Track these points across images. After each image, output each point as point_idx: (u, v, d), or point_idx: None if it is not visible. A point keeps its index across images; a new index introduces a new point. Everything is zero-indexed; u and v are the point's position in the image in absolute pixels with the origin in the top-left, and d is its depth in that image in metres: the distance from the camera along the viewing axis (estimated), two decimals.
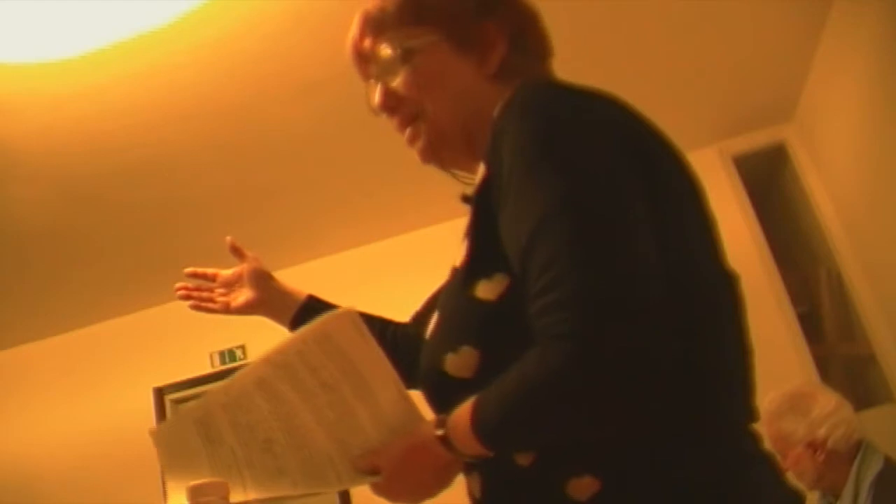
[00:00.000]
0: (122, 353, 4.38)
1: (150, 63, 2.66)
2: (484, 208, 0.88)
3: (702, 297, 0.86)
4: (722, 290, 0.92)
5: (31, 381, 4.46)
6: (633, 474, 0.81)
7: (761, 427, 2.39)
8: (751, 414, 0.91)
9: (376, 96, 1.04)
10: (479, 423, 0.83)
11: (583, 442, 0.82)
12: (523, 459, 0.85)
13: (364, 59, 1.06)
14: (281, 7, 2.55)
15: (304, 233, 4.06)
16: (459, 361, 0.87)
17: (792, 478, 2.36)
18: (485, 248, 0.87)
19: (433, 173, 1.11)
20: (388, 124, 1.09)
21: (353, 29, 1.07)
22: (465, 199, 0.97)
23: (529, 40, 1.04)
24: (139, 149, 3.08)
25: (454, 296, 0.92)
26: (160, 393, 4.29)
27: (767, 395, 2.45)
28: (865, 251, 3.57)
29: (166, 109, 2.90)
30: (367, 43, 1.04)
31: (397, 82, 1.02)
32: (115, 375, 4.36)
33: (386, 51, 1.02)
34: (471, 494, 0.95)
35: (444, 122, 1.01)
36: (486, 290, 0.86)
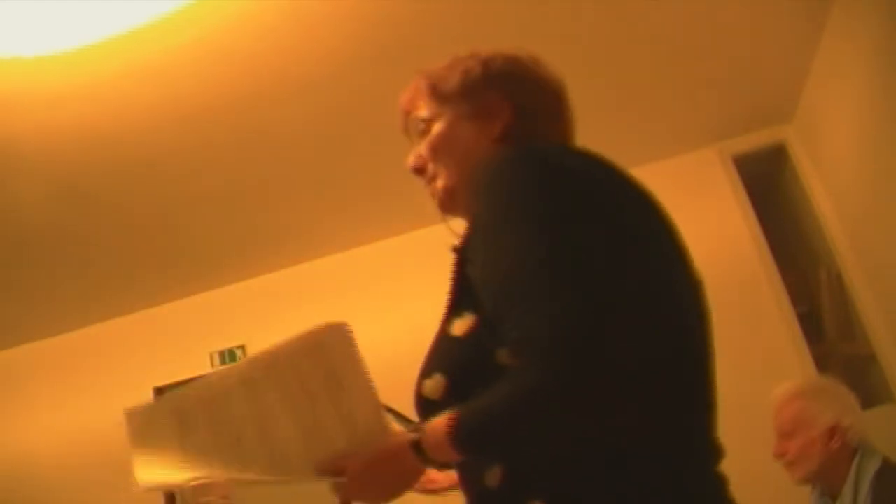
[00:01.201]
0: (122, 353, 4.38)
1: (148, 60, 2.65)
2: (463, 257, 1.06)
3: (672, 327, 0.98)
4: (692, 315, 1.04)
5: (31, 381, 4.46)
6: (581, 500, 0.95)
7: (771, 409, 2.34)
8: (717, 450, 1.02)
9: (409, 160, 1.26)
10: (455, 427, 0.96)
11: (543, 467, 0.96)
12: (492, 481, 1.00)
13: (407, 131, 1.29)
14: (280, 5, 2.55)
15: (305, 232, 4.06)
16: (431, 385, 1.04)
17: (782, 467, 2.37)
18: (461, 292, 1.06)
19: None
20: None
21: (399, 106, 1.28)
22: (453, 249, 1.12)
23: (538, 108, 1.19)
24: (139, 147, 3.07)
25: (438, 333, 1.09)
26: (160, 393, 4.29)
27: (768, 393, 2.47)
28: (865, 251, 3.57)
29: (165, 108, 2.90)
30: (409, 116, 1.27)
31: (421, 148, 1.24)
32: (115, 375, 4.35)
33: (413, 122, 1.24)
34: None
35: (451, 180, 1.21)
36: (459, 326, 1.04)
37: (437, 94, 1.21)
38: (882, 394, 3.59)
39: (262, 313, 4.12)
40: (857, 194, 3.49)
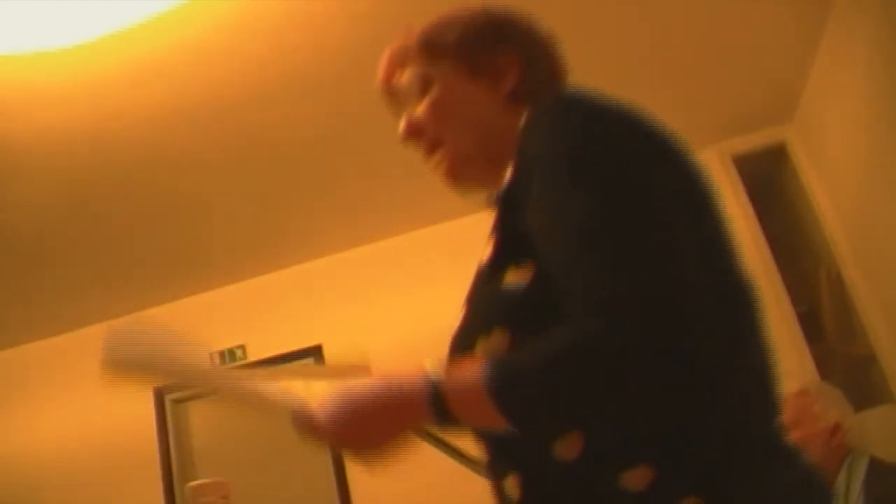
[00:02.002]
0: None
1: (146, 58, 2.65)
2: (511, 205, 0.92)
3: (739, 298, 0.91)
4: (750, 288, 0.95)
5: (31, 381, 4.46)
6: (689, 464, 0.83)
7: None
8: (778, 408, 0.96)
9: (401, 125, 1.11)
10: (494, 372, 0.82)
11: (632, 433, 0.83)
12: (567, 454, 0.85)
13: (391, 94, 1.13)
14: (280, 5, 2.55)
15: (305, 232, 4.06)
16: (490, 344, 0.89)
17: None
18: (513, 240, 0.91)
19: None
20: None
21: (381, 66, 1.13)
22: (492, 199, 1.01)
23: (543, 64, 1.10)
24: (139, 147, 3.07)
25: (483, 287, 0.95)
26: (160, 393, 4.29)
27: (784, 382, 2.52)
28: (865, 251, 3.57)
29: (165, 108, 2.90)
30: (393, 77, 1.12)
31: (418, 112, 1.08)
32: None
33: (407, 83, 1.09)
34: (502, 500, 0.94)
35: (460, 146, 1.07)
36: (515, 276, 0.89)
37: (433, 51, 1.08)
38: (882, 394, 3.59)
39: (262, 313, 4.13)
40: (856, 194, 3.49)
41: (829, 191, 3.78)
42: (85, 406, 4.34)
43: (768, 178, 4.19)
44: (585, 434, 0.84)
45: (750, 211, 3.84)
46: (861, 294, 3.64)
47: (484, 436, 0.95)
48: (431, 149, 1.09)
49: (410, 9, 2.63)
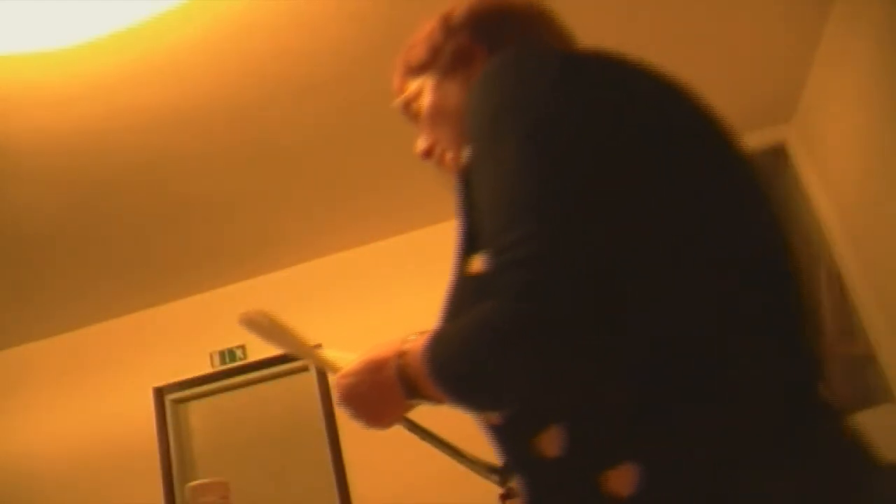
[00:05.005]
0: (122, 353, 4.39)
1: (147, 58, 2.65)
2: (466, 186, 0.90)
3: (730, 267, 0.82)
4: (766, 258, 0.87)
5: (31, 381, 4.46)
6: (682, 461, 0.76)
7: None
8: (808, 371, 0.86)
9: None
10: (429, 354, 0.85)
11: (619, 428, 0.79)
12: (549, 450, 0.81)
13: (408, 115, 1.18)
14: (281, 5, 2.55)
15: (305, 232, 4.06)
16: None
17: None
18: (474, 225, 0.88)
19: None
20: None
21: (393, 86, 1.19)
22: (458, 173, 0.99)
23: (508, 35, 1.08)
24: (139, 148, 3.07)
25: (454, 276, 0.94)
26: (160, 393, 4.30)
27: None
28: (865, 251, 3.57)
29: (165, 108, 2.90)
30: (402, 98, 1.17)
31: (422, 127, 1.13)
32: (115, 375, 4.36)
33: (407, 106, 1.15)
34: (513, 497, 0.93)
35: (452, 141, 1.08)
36: (478, 263, 0.87)
37: (413, 69, 1.13)
38: (882, 394, 3.60)
39: None
40: (856, 194, 3.49)
41: (829, 191, 3.78)
42: (85, 406, 4.35)
43: (768, 178, 4.20)
44: (565, 429, 0.81)
45: None
46: (861, 294, 3.64)
47: (486, 431, 0.92)
48: (440, 161, 1.12)
49: (410, 9, 2.64)
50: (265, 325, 1.21)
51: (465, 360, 0.82)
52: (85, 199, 3.33)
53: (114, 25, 2.45)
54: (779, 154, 4.00)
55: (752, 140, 3.97)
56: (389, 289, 4.16)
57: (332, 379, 1.05)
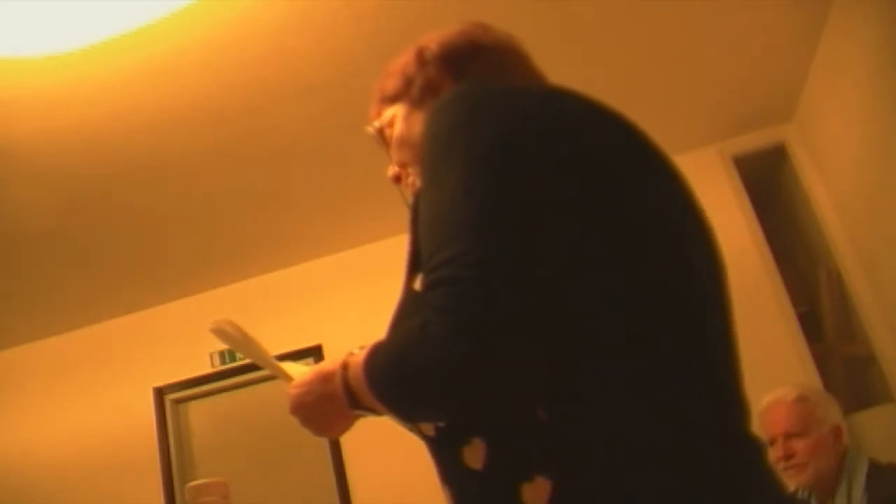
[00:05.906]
0: (122, 353, 4.39)
1: (149, 61, 2.65)
2: (417, 208, 0.95)
3: (658, 291, 0.85)
4: (696, 279, 0.91)
5: (31, 381, 4.46)
6: (589, 475, 0.79)
7: (768, 414, 2.33)
8: (738, 408, 0.87)
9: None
10: (365, 366, 0.90)
11: (534, 443, 0.81)
12: (473, 462, 0.85)
13: (381, 141, 1.24)
14: (284, 7, 2.55)
15: (305, 233, 4.06)
16: None
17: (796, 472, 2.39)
18: (418, 245, 0.92)
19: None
20: None
21: (370, 114, 1.24)
22: (410, 205, 1.04)
23: (477, 70, 1.12)
24: (139, 149, 3.07)
25: (402, 293, 1.00)
26: (160, 393, 4.30)
27: (772, 391, 2.50)
28: (865, 251, 3.57)
29: (165, 110, 2.90)
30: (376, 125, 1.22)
31: (392, 155, 1.19)
32: (115, 375, 4.36)
33: (379, 135, 1.21)
34: None
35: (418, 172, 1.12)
36: (420, 281, 0.90)
37: (387, 98, 1.19)
38: (882, 394, 3.60)
39: (262, 313, 4.12)
40: (856, 194, 3.49)
41: (829, 190, 3.78)
42: (85, 406, 4.35)
43: (768, 178, 4.20)
44: (485, 442, 0.84)
45: (750, 211, 3.84)
46: (861, 294, 3.64)
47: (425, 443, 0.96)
48: (405, 182, 1.18)
49: (411, 10, 2.64)
50: (233, 335, 1.26)
51: (391, 371, 0.86)
52: (85, 201, 3.33)
53: (115, 29, 2.46)
54: (779, 154, 4.00)
55: (752, 140, 3.97)
56: (389, 289, 4.16)
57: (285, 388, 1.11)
